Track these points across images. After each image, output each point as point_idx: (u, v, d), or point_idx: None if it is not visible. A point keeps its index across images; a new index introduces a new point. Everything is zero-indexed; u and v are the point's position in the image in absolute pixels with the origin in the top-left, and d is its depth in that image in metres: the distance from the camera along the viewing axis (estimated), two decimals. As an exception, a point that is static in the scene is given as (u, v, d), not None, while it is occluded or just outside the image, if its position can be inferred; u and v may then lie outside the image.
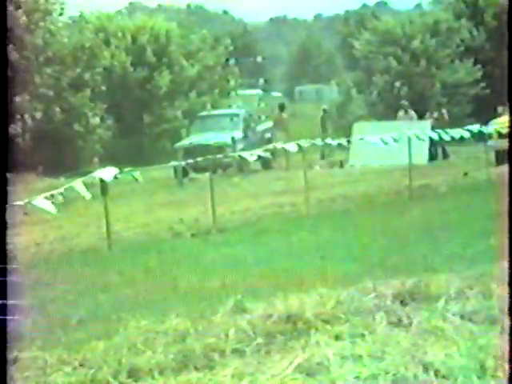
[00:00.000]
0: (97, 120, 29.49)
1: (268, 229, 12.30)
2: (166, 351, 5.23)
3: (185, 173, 21.76)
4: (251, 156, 14.98)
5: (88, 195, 10.94)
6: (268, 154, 15.85)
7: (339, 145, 17.84)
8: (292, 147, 15.01)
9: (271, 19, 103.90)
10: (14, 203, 10.49)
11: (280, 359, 4.87)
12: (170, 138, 30.67)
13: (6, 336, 4.25)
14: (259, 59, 45.48)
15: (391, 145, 16.30)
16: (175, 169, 21.50)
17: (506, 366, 4.42)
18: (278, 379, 4.65)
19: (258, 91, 42.40)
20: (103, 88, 29.86)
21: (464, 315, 5.52)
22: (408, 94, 32.99)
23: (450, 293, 6.06)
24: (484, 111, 28.92)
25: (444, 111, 26.99)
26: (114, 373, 5.01)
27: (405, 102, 27.44)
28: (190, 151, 22.09)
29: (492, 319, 5.37)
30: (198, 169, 19.73)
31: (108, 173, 11.59)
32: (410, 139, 16.41)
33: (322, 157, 25.76)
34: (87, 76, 26.96)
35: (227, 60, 37.91)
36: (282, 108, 28.48)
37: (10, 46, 21.05)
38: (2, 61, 4.40)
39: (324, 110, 31.17)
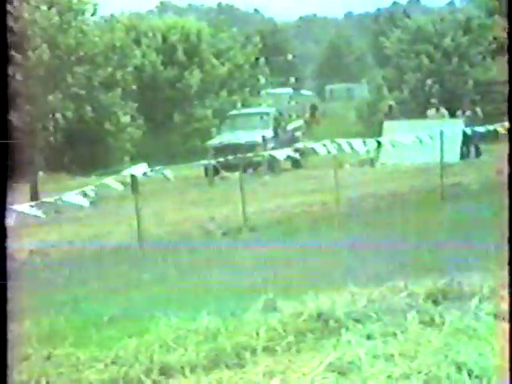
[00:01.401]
0: (127, 119, 29.63)
1: (298, 228, 12.28)
2: (197, 349, 5.24)
3: (215, 171, 21.78)
4: (281, 155, 14.98)
5: (120, 187, 11.04)
6: (297, 154, 15.83)
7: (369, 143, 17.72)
8: (321, 147, 14.95)
9: (301, 18, 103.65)
10: (46, 200, 10.59)
11: (311, 358, 4.86)
12: (201, 137, 30.74)
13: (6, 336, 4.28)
14: (289, 58, 45.38)
15: (424, 143, 16.17)
16: (206, 167, 21.54)
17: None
18: (309, 378, 4.64)
19: (289, 90, 42.30)
20: (134, 87, 30.02)
21: (498, 315, 5.46)
22: (440, 92, 32.76)
23: (484, 292, 6.00)
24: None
25: (478, 109, 26.72)
26: (145, 370, 5.03)
27: (434, 100, 27.22)
28: (220, 150, 22.12)
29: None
30: (229, 167, 19.73)
31: (138, 169, 11.66)
32: (442, 137, 16.28)
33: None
34: (118, 75, 27.13)
35: (257, 59, 37.89)
36: (314, 109, 28.27)
37: (44, 46, 21.20)
38: (3, 61, 4.39)
39: None
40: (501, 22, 35.46)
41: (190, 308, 6.46)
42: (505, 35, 34.97)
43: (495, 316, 5.39)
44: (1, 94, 4.32)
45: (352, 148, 15.07)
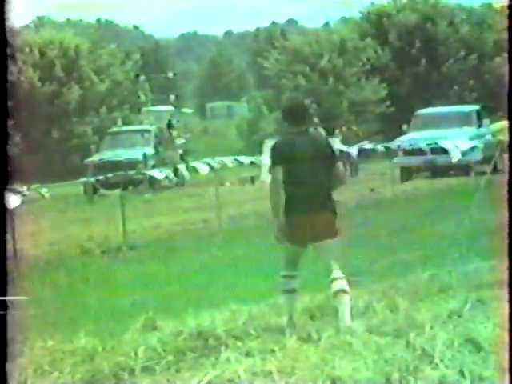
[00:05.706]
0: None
1: (180, 246, 12.23)
2: (73, 371, 5.13)
3: (95, 189, 21.45)
4: (161, 173, 14.97)
5: None
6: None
7: (251, 162, 17.97)
8: (203, 165, 15.02)
9: (182, 35, 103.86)
10: None
11: (190, 377, 4.84)
12: (80, 154, 30.21)
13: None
14: (170, 75, 45.20)
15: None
16: (85, 185, 21.18)
17: None
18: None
19: (170, 107, 42.23)
20: (9, 104, 29.19)
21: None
22: (317, 112, 33.47)
23: (359, 306, 6.15)
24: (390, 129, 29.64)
25: (354, 128, 27.49)
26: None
27: (315, 120, 27.81)
28: (100, 167, 21.82)
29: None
30: (109, 185, 19.48)
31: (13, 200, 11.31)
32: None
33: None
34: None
35: (137, 75, 37.63)
36: (169, 126, 28.22)
37: None
38: (3, 65, 4.25)
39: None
40: (372, 44, 36.71)
41: (67, 329, 6.32)
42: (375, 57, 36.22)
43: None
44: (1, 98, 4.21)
45: (239, 163, 15.23)
